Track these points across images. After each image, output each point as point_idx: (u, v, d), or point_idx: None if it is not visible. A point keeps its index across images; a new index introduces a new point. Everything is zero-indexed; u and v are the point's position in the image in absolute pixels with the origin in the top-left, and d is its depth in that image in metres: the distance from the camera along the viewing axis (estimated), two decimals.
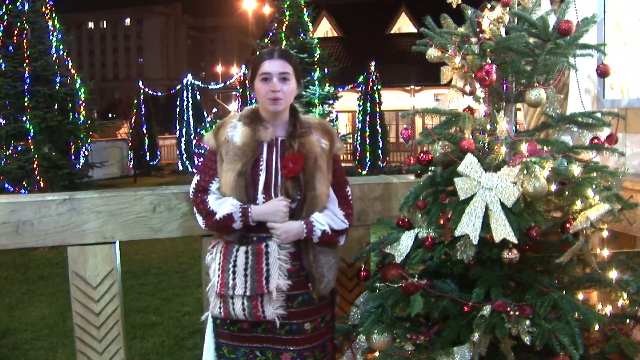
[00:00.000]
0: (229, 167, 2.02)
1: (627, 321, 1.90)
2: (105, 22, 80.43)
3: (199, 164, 2.20)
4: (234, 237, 2.02)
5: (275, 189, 2.01)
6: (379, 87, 17.75)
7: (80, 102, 10.15)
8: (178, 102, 20.62)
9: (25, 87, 9.38)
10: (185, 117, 20.11)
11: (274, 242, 1.99)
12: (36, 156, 9.26)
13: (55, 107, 9.67)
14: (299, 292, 2.02)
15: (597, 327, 1.77)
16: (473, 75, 1.89)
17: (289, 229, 1.98)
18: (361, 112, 17.57)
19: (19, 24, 9.61)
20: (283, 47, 12.23)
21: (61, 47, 10.09)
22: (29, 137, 9.34)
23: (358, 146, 17.68)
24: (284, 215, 1.98)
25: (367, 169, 17.20)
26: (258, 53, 2.10)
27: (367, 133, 17.40)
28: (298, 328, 2.02)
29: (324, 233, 2.01)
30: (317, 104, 13.74)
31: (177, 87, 21.46)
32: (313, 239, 2.01)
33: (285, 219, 1.98)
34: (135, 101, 21.06)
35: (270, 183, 2.02)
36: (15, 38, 9.57)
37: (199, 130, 18.87)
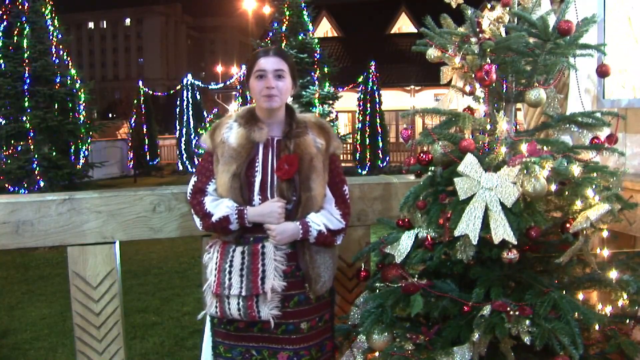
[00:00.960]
0: (224, 168, 2.02)
1: (627, 321, 1.90)
2: (105, 22, 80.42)
3: (198, 164, 2.20)
4: (231, 238, 2.03)
5: (271, 189, 2.01)
6: (379, 87, 17.76)
7: (80, 102, 10.16)
8: (178, 102, 20.63)
9: (25, 87, 9.39)
10: (185, 117, 20.12)
11: (270, 242, 1.99)
12: (36, 156, 9.26)
13: (55, 107, 9.67)
14: (295, 292, 2.03)
15: (597, 327, 1.77)
16: (473, 75, 1.89)
17: (285, 230, 1.98)
18: (361, 112, 17.58)
19: (19, 24, 9.62)
20: (282, 47, 12.23)
21: (61, 47, 10.10)
22: (29, 137, 9.35)
23: (358, 146, 17.68)
24: (279, 217, 1.98)
25: (367, 169, 17.20)
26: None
27: (367, 133, 17.40)
28: (294, 328, 2.03)
29: (320, 233, 2.01)
30: (317, 104, 13.73)
31: (177, 87, 21.47)
32: (309, 239, 2.01)
33: (281, 220, 1.99)
34: (135, 101, 21.06)
35: (266, 184, 2.02)
36: (15, 38, 9.58)
37: (199, 130, 18.89)
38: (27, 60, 9.47)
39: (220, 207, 2.01)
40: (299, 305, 2.04)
